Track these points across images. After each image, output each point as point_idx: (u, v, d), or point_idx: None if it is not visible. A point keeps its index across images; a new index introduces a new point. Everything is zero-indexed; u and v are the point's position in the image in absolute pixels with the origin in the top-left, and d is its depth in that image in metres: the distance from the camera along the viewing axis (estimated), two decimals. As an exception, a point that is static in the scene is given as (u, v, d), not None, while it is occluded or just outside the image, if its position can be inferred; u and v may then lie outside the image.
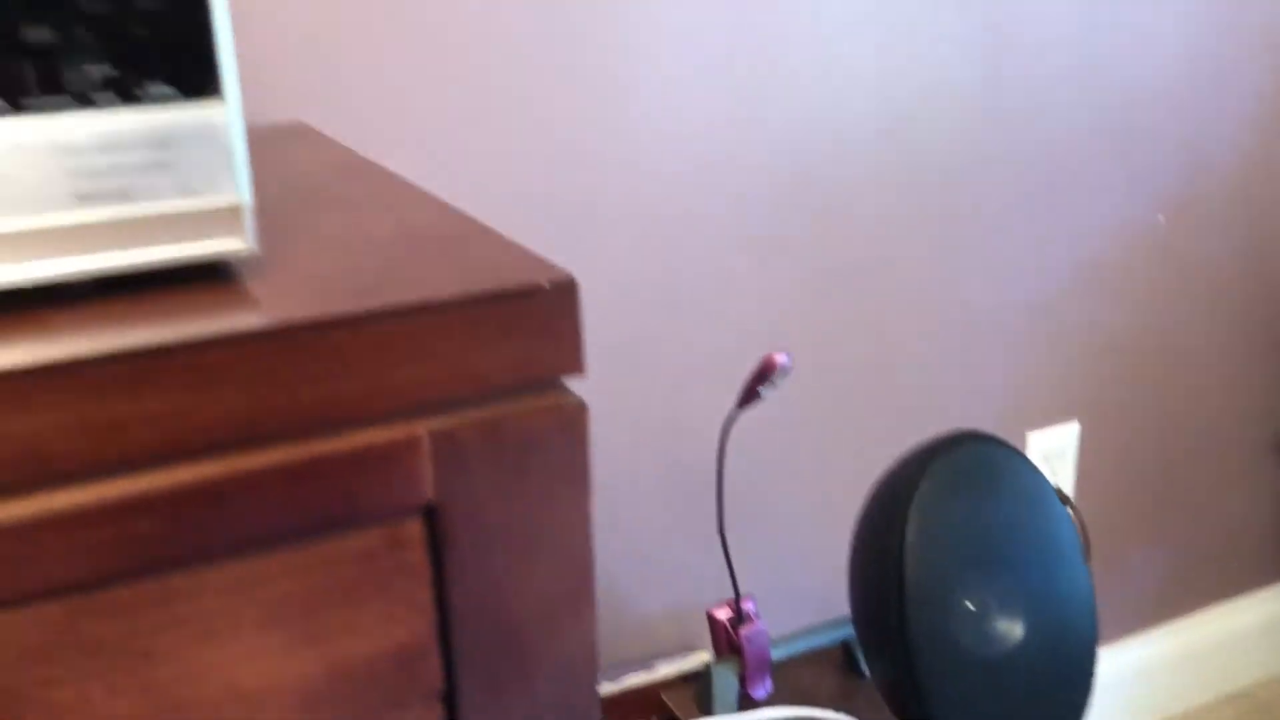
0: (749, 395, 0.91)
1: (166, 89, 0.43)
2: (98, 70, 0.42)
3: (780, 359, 0.88)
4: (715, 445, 1.17)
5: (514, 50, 0.99)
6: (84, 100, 0.42)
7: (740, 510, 1.24)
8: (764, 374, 0.89)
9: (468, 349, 0.45)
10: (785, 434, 1.25)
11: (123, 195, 0.43)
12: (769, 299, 1.19)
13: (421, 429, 0.45)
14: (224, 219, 0.45)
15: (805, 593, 1.32)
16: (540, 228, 1.04)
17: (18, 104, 0.41)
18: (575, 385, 1.04)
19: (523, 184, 1.03)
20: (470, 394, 0.46)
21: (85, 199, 0.43)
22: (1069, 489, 1.52)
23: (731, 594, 1.21)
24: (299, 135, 0.84)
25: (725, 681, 0.99)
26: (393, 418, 0.45)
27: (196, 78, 0.43)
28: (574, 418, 0.47)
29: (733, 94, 1.10)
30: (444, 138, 0.99)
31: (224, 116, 0.44)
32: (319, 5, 0.92)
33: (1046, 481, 0.86)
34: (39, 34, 0.41)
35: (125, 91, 0.43)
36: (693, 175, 1.11)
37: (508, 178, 1.02)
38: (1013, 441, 1.44)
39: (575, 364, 0.47)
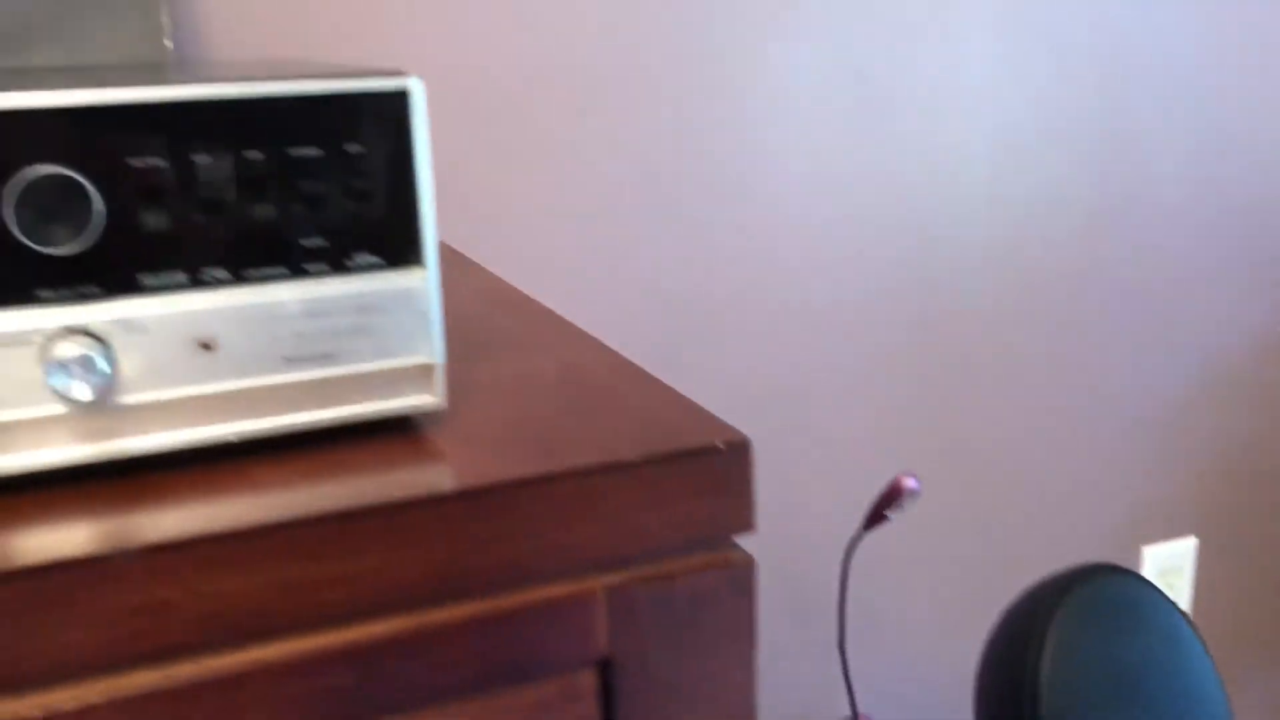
0: (876, 518, 0.91)
1: (373, 259, 0.46)
2: (312, 243, 0.45)
3: (909, 483, 0.88)
4: (835, 558, 1.16)
5: (642, 156, 1.02)
6: (298, 271, 0.45)
7: (858, 625, 1.23)
8: (892, 497, 0.89)
9: (644, 507, 0.47)
10: (903, 547, 1.24)
11: (327, 358, 0.46)
12: (886, 409, 1.19)
13: (597, 584, 0.46)
14: (418, 377, 0.48)
15: (922, 712, 1.30)
16: (663, 326, 1.06)
17: (240, 275, 0.44)
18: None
19: (648, 282, 1.05)
20: (644, 550, 0.47)
21: (293, 361, 0.45)
22: (1186, 606, 1.48)
23: (849, 711, 1.20)
24: (443, 259, 0.87)
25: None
26: (570, 574, 0.46)
27: (401, 249, 0.46)
28: (743, 575, 0.48)
29: (852, 201, 1.12)
30: (572, 236, 1.02)
31: (424, 284, 0.47)
32: (453, 132, 0.96)
33: (1187, 620, 0.85)
34: (264, 211, 0.44)
35: (335, 262, 0.45)
36: (810, 282, 1.12)
37: (634, 276, 1.05)
38: (1128, 556, 1.41)
39: (746, 522, 0.48)
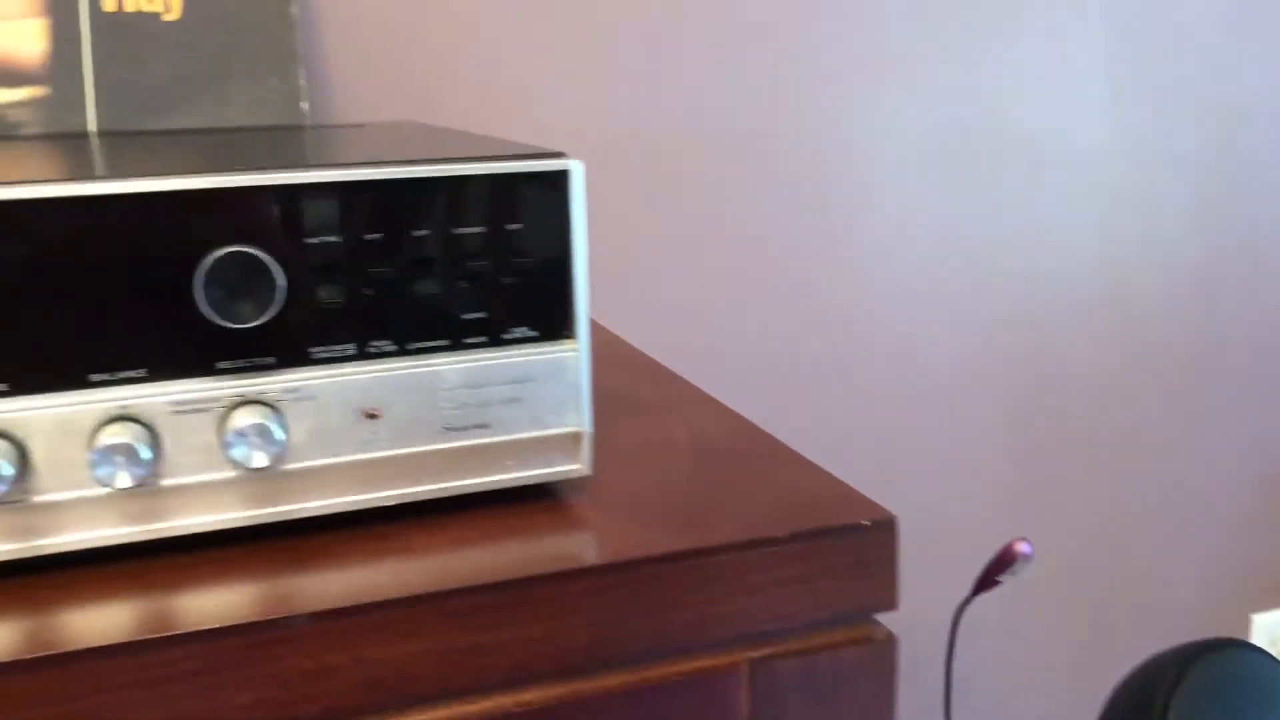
0: (987, 582, 0.90)
1: (528, 332, 0.47)
2: (472, 316, 0.46)
3: (1022, 547, 0.87)
4: (942, 623, 1.15)
5: (751, 217, 1.03)
6: (459, 343, 0.46)
7: (964, 692, 1.21)
8: (1005, 562, 0.88)
9: (789, 582, 0.47)
10: (1009, 614, 1.22)
11: (482, 427, 0.47)
12: (993, 474, 1.18)
13: (742, 658, 0.47)
14: (566, 445, 0.49)
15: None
16: (767, 390, 1.07)
17: (404, 347, 0.46)
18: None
19: (752, 346, 1.06)
20: (787, 625, 0.48)
21: (451, 430, 0.47)
22: (1298, 675, 1.43)
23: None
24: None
25: None
26: (716, 646, 0.47)
27: (556, 323, 0.47)
28: (885, 652, 0.48)
29: (958, 262, 1.12)
30: (675, 299, 1.03)
31: (576, 356, 0.48)
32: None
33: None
34: (428, 286, 0.45)
35: (493, 335, 0.47)
36: (917, 343, 1.12)
37: (739, 341, 1.05)
38: (1236, 623, 1.37)
39: (889, 600, 0.49)
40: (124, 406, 0.42)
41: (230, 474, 0.44)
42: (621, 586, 0.45)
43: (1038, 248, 1.15)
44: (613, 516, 0.49)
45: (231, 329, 0.43)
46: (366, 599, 0.42)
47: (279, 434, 0.43)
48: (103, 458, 0.41)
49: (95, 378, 0.42)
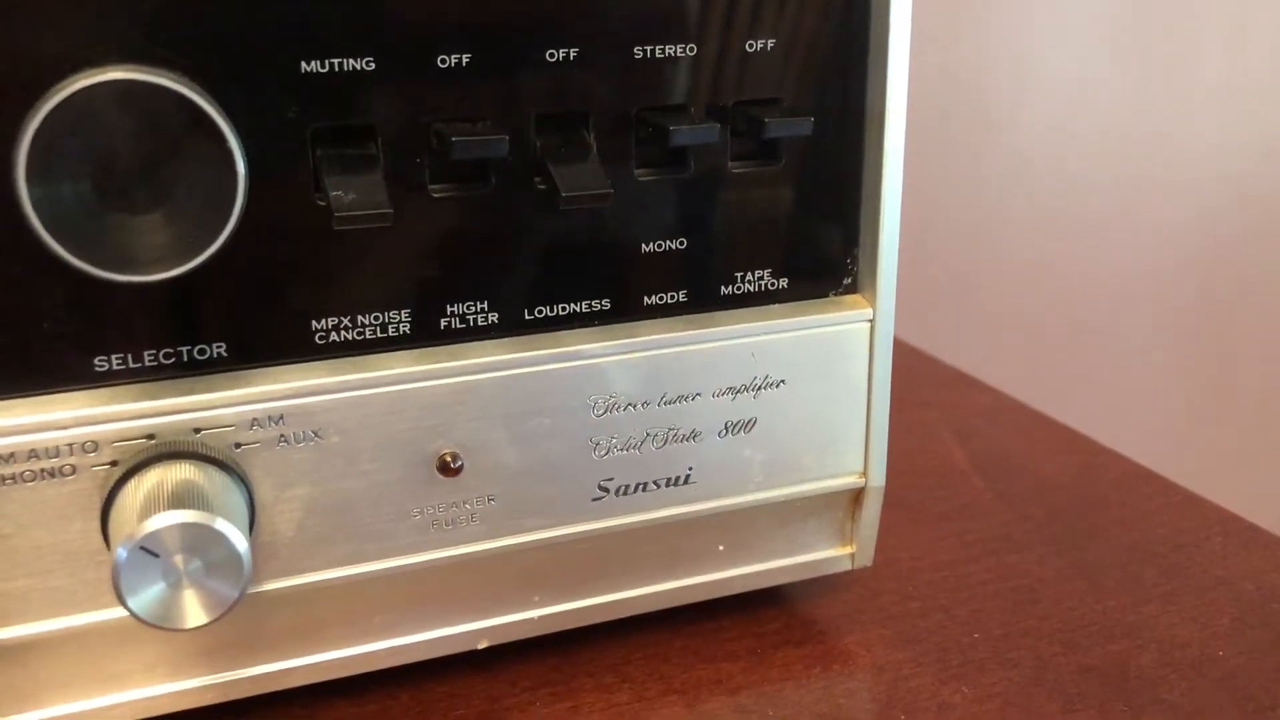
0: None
1: (772, 280, 0.22)
2: (659, 248, 0.21)
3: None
4: None
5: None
6: (629, 304, 0.21)
7: None
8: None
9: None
10: None
11: (676, 482, 0.22)
12: None
13: None
14: (829, 509, 0.24)
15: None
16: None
17: (521, 318, 0.20)
18: None
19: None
20: None
21: (610, 494, 0.22)
22: None
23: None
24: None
25: None
26: None
27: (830, 263, 0.22)
28: None
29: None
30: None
31: (867, 331, 0.23)
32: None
33: None
34: (575, 175, 0.20)
35: (700, 284, 0.22)
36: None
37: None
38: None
39: None
40: None
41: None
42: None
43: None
44: (895, 652, 0.24)
45: (160, 286, 0.17)
46: None
47: (231, 542, 0.18)
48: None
49: None
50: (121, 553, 0.17)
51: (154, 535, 0.17)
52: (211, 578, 0.17)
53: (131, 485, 0.18)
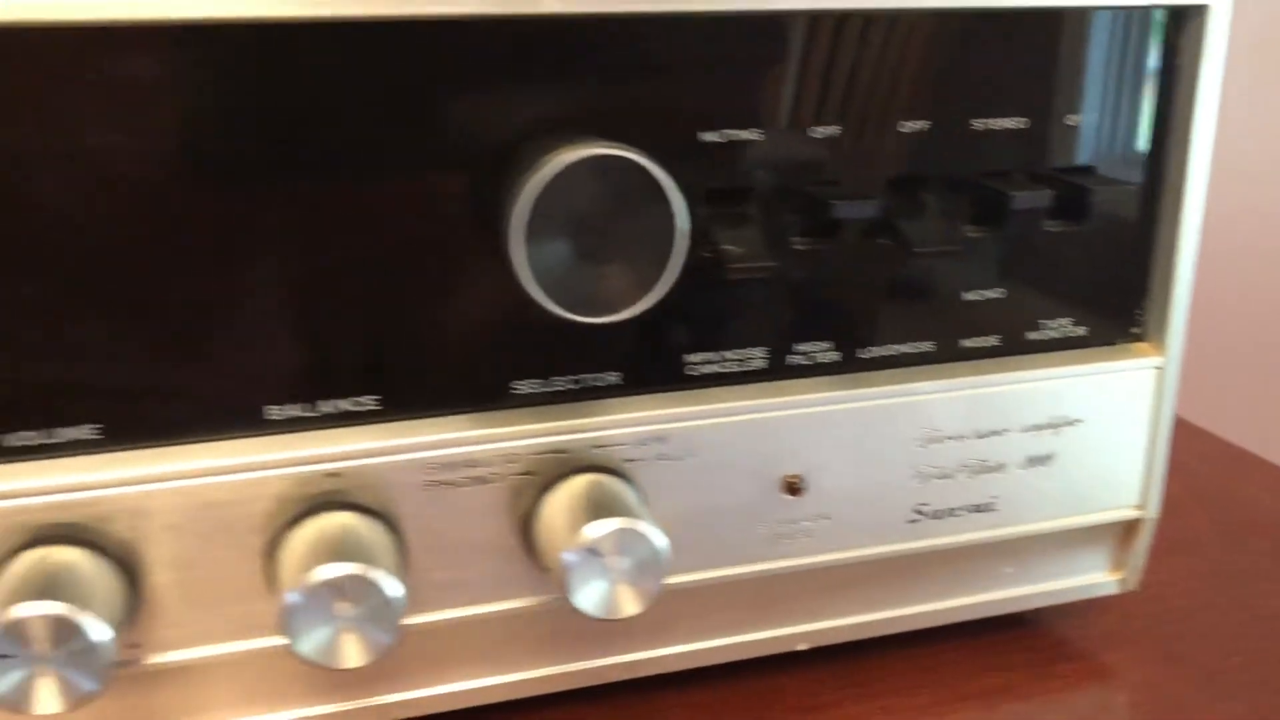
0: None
1: (1072, 328, 0.25)
2: (975, 297, 0.24)
3: None
4: None
5: None
6: (949, 349, 0.24)
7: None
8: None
9: None
10: None
11: (982, 508, 0.25)
12: None
13: None
14: (1102, 538, 0.27)
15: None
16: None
17: (852, 356, 0.23)
18: None
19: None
20: None
21: (925, 517, 0.24)
22: None
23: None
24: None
25: None
26: None
27: (1123, 313, 0.25)
28: None
29: None
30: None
31: (1160, 378, 0.25)
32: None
33: None
34: (909, 235, 0.23)
35: (1009, 333, 0.24)
36: None
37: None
38: None
39: None
40: (329, 473, 0.20)
41: (524, 601, 0.22)
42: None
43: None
44: (1160, 670, 0.26)
45: (572, 323, 0.20)
46: None
47: (654, 540, 0.21)
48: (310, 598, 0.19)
49: (271, 413, 0.20)
50: (570, 557, 0.20)
51: (596, 541, 0.20)
52: (641, 577, 0.20)
53: (555, 494, 0.21)
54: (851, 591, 0.25)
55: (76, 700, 0.18)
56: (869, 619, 0.26)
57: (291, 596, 0.19)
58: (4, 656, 0.17)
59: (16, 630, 0.17)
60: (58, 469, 0.19)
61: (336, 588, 0.19)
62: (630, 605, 0.20)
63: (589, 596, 0.20)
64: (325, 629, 0.19)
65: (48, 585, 0.18)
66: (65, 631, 0.18)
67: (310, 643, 0.19)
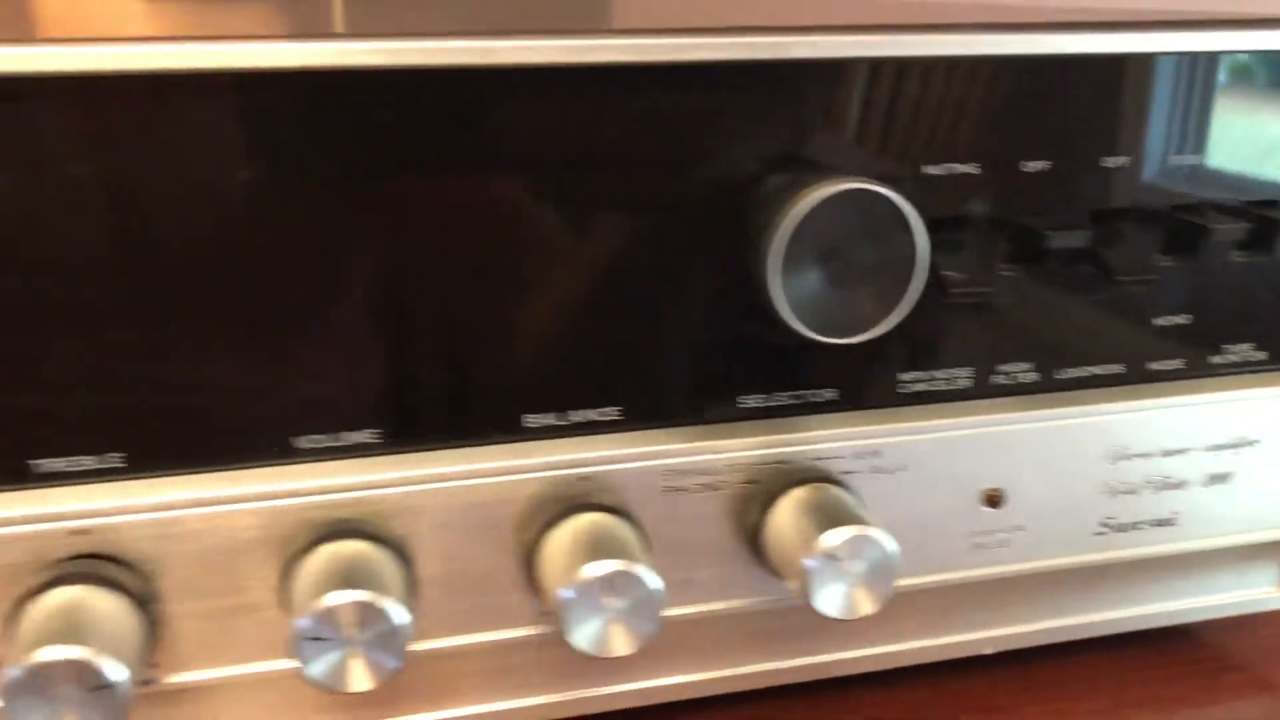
0: None
1: (1254, 353, 0.26)
2: (1164, 323, 0.25)
3: None
4: None
5: None
6: (1137, 372, 0.25)
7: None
8: None
9: None
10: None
11: (1164, 523, 0.26)
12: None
13: None
14: (1266, 553, 0.28)
15: None
16: None
17: (1051, 376, 0.25)
18: None
19: None
20: None
21: (1111, 530, 0.26)
22: None
23: None
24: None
25: None
26: None
27: None
28: None
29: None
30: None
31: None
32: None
33: None
34: (1104, 261, 0.24)
35: (1194, 356, 0.26)
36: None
37: None
38: None
39: None
40: (580, 477, 0.22)
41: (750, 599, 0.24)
42: None
43: None
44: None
45: (796, 344, 0.22)
46: None
47: (886, 545, 0.22)
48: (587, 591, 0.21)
49: (531, 420, 0.22)
50: (811, 564, 0.21)
51: (835, 548, 0.21)
52: (873, 580, 0.22)
53: (785, 501, 0.23)
54: (1034, 599, 0.27)
55: (383, 677, 0.19)
56: (1051, 625, 0.27)
57: (565, 592, 0.20)
58: (320, 640, 0.19)
59: (330, 617, 0.19)
60: (345, 470, 0.21)
61: (607, 583, 0.20)
62: (866, 606, 0.22)
63: (829, 599, 0.22)
64: (595, 620, 0.21)
65: (349, 575, 0.20)
66: (372, 617, 0.19)
67: (584, 635, 0.20)
